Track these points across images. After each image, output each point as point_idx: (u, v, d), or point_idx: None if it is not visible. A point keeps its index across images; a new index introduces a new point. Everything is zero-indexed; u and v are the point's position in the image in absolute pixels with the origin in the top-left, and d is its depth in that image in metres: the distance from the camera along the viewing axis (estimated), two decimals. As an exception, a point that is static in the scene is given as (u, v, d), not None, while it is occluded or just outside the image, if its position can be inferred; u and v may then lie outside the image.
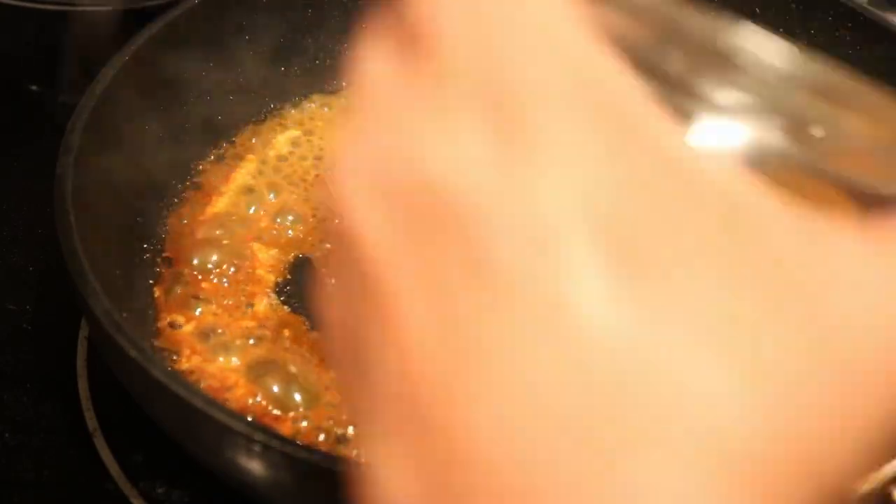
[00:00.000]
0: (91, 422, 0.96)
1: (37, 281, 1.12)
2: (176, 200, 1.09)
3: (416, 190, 0.34)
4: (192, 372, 0.92)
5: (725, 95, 0.42)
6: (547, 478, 0.30)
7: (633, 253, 0.32)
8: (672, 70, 0.41)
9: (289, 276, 1.03)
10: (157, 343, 0.95)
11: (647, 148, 0.34)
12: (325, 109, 1.23)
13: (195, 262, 1.03)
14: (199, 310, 0.98)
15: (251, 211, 1.09)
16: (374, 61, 0.39)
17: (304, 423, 0.89)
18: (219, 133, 1.16)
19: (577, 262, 0.32)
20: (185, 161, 1.12)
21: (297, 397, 0.91)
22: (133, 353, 0.78)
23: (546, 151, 0.33)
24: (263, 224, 1.08)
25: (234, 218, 1.08)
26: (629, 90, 0.35)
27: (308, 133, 1.19)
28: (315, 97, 1.24)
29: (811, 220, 0.37)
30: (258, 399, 0.91)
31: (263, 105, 1.21)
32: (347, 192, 0.36)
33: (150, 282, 1.01)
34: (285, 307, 1.00)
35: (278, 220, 1.08)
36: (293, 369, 0.94)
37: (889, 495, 0.79)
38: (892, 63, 1.17)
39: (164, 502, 0.91)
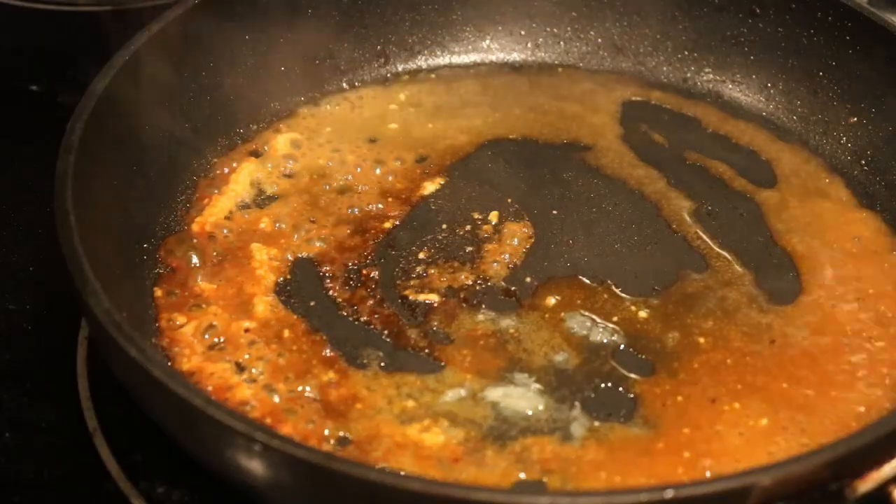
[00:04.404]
0: (91, 422, 0.96)
1: (37, 281, 1.12)
2: (176, 201, 1.09)
3: None
4: (192, 372, 0.92)
5: None
6: None
7: None
8: None
9: (289, 276, 1.03)
10: (157, 343, 0.95)
11: None
12: (325, 110, 1.23)
13: (195, 262, 1.03)
14: (198, 310, 0.98)
15: (251, 212, 1.09)
16: None
17: (306, 425, 0.89)
18: (219, 134, 1.16)
19: None
20: (185, 162, 1.12)
21: (297, 397, 0.91)
22: (133, 353, 0.79)
23: None
24: (263, 224, 1.08)
25: (233, 218, 1.08)
26: None
27: (308, 134, 1.19)
28: (315, 98, 1.24)
29: None
30: (259, 399, 0.91)
31: (263, 106, 1.21)
32: None
33: (150, 282, 1.01)
34: (285, 307, 1.00)
35: (278, 220, 1.08)
36: (293, 370, 0.94)
37: (889, 495, 0.79)
38: (892, 63, 1.17)
39: (164, 502, 0.91)
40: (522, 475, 0.86)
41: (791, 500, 0.74)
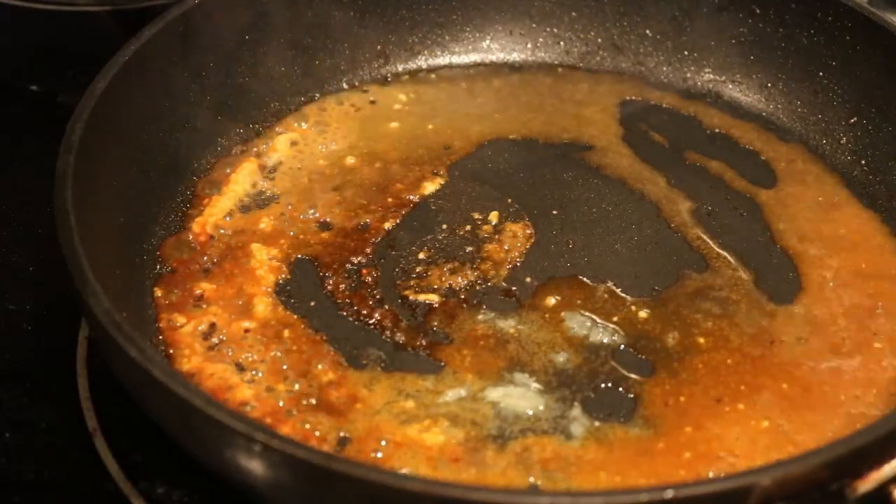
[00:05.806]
0: (91, 422, 0.96)
1: (37, 281, 1.12)
2: (176, 201, 1.09)
3: None
4: (192, 372, 0.92)
5: None
6: None
7: None
8: None
9: (289, 276, 1.03)
10: (157, 343, 0.95)
11: None
12: (325, 111, 1.23)
13: (195, 262, 1.03)
14: (198, 310, 0.98)
15: (251, 211, 1.09)
16: None
17: (306, 425, 0.89)
18: (218, 134, 1.16)
19: None
20: (185, 162, 1.12)
21: (297, 398, 0.91)
22: (133, 353, 0.78)
23: None
24: (263, 224, 1.08)
25: (233, 218, 1.08)
26: None
27: (307, 134, 1.19)
28: (315, 98, 1.24)
29: None
30: (259, 399, 0.91)
31: (263, 105, 1.21)
32: None
33: (150, 282, 1.01)
34: (285, 307, 1.00)
35: (278, 221, 1.08)
36: (293, 370, 0.94)
37: (889, 495, 0.79)
38: (892, 63, 1.17)
39: (164, 502, 0.91)
40: (531, 479, 0.86)
41: (791, 500, 0.74)
